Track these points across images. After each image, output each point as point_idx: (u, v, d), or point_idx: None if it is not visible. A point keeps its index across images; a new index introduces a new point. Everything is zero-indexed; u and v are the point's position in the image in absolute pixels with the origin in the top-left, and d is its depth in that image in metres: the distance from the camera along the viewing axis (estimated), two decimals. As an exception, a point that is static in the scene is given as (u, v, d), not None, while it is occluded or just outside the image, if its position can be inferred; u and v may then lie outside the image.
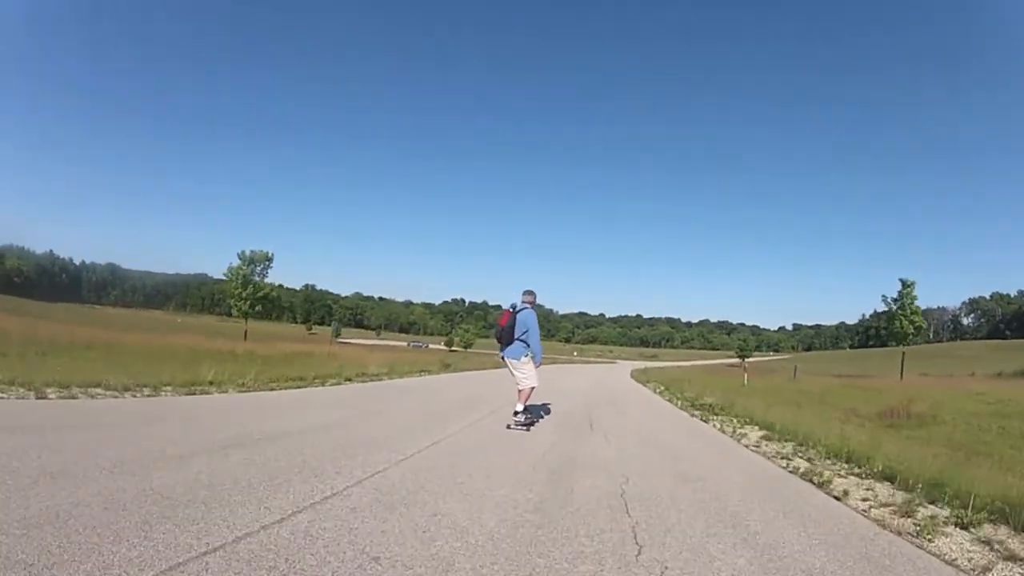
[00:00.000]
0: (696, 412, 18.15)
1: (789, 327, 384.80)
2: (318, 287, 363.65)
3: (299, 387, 17.36)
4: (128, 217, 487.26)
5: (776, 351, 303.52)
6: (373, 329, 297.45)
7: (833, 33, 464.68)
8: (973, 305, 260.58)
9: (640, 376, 47.21)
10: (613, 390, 29.33)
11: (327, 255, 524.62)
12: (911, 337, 68.02)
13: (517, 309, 11.72)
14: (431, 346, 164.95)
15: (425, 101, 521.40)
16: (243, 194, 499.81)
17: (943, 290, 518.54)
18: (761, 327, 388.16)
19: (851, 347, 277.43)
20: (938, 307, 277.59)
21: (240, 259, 73.62)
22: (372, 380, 22.58)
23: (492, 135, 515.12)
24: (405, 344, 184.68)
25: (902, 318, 66.97)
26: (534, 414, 13.39)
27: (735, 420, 15.85)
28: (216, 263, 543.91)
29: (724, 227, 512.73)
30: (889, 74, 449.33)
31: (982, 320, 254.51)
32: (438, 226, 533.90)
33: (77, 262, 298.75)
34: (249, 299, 75.31)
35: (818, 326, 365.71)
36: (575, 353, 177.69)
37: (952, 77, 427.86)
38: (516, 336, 11.56)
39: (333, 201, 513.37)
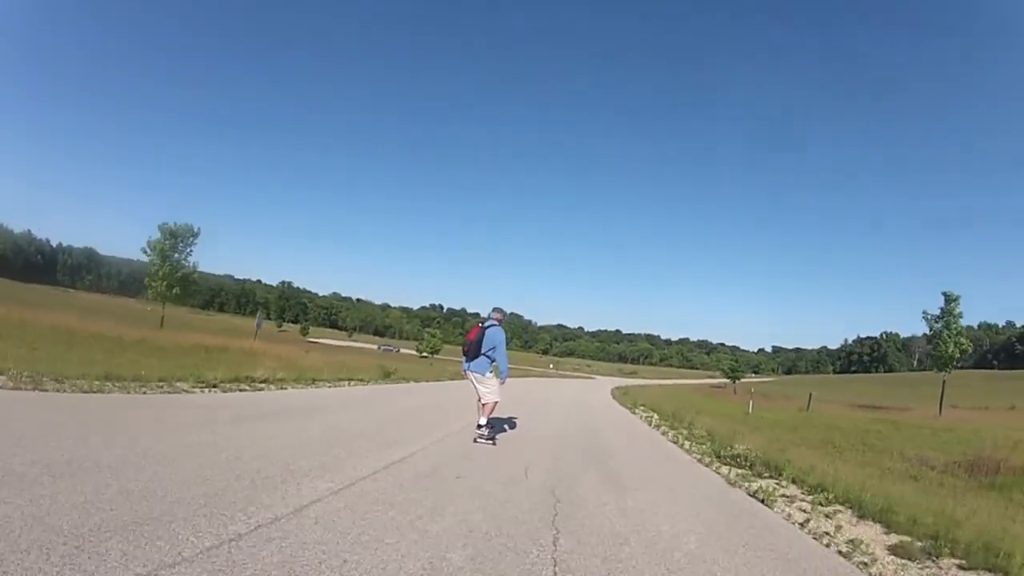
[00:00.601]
0: (722, 470, 11.81)
1: (768, 349, 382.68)
2: (295, 284, 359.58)
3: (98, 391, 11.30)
4: (112, 206, 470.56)
5: (756, 373, 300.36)
6: (346, 330, 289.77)
7: (815, 47, 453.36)
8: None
9: (623, 397, 41.23)
10: (592, 416, 23.41)
11: (308, 254, 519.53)
12: (955, 361, 54.90)
13: (485, 325, 11.56)
14: (403, 351, 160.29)
15: (414, 106, 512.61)
16: (228, 189, 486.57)
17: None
18: (741, 348, 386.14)
19: (834, 372, 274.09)
20: (922, 335, 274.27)
21: (160, 232, 62.94)
22: (254, 389, 15.93)
23: (479, 143, 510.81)
24: (376, 347, 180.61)
25: (947, 339, 53.73)
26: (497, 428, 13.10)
27: (815, 498, 9.34)
28: (200, 256, 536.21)
29: (706, 246, 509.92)
30: (872, 91, 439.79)
31: (972, 351, 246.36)
32: (420, 231, 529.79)
33: (54, 244, 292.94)
34: (166, 279, 63.06)
35: (798, 349, 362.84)
36: (551, 366, 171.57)
37: (944, 93, 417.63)
38: (483, 351, 11.35)
39: (316, 201, 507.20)
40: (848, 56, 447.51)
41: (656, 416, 25.24)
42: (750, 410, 34.39)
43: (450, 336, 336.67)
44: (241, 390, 15.06)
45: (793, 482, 10.60)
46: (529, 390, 36.80)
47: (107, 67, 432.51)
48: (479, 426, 11.49)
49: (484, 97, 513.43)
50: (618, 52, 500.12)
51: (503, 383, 11.97)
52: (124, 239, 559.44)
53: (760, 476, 11.12)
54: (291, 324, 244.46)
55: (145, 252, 63.01)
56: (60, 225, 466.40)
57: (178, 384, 13.85)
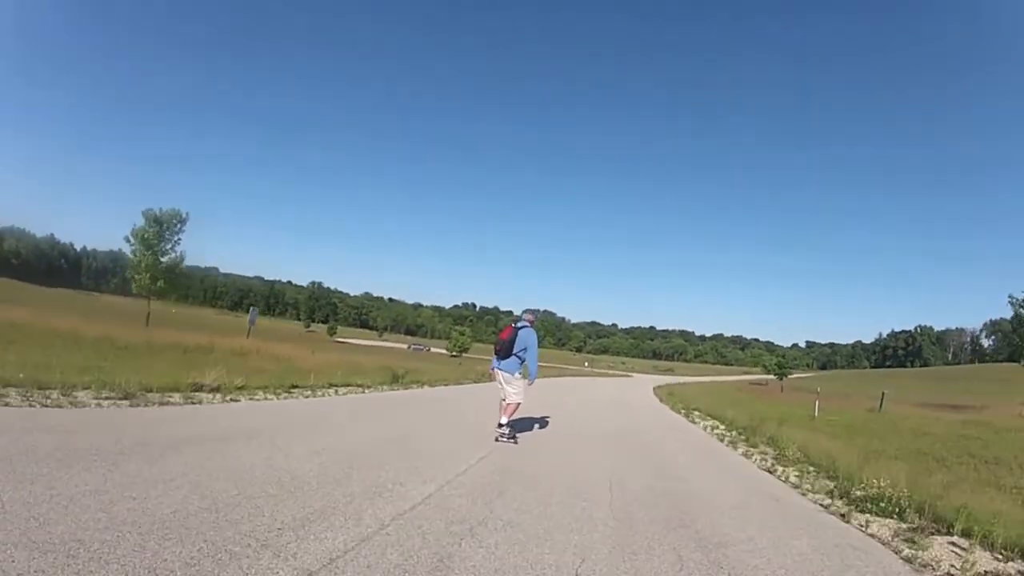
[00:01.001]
0: (880, 529, 7.43)
1: (802, 344, 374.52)
2: (325, 285, 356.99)
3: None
4: (138, 207, 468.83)
5: (790, 368, 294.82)
6: (376, 330, 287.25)
7: (851, 45, 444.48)
8: (995, 327, 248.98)
9: (670, 398, 37.00)
10: (645, 429, 19.10)
11: (339, 253, 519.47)
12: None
13: (518, 326, 11.69)
14: (433, 350, 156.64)
15: (445, 104, 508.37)
16: (257, 190, 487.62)
17: (956, 312, 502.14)
18: (775, 343, 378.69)
19: (870, 366, 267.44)
20: (956, 328, 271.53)
21: (144, 218, 56.39)
22: (186, 400, 11.70)
23: (512, 141, 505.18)
24: (406, 347, 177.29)
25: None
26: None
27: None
28: (225, 256, 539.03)
29: (740, 240, 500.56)
30: (911, 90, 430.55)
31: (1004, 343, 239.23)
32: (453, 230, 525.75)
33: (78, 248, 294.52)
34: (150, 271, 56.80)
35: (832, 344, 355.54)
36: (586, 364, 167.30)
37: (974, 92, 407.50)
38: (514, 351, 11.47)
39: (347, 201, 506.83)
40: (891, 45, 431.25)
41: (721, 425, 21.18)
42: (816, 413, 29.86)
43: (482, 334, 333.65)
44: (165, 403, 10.98)
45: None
46: (565, 391, 33.56)
47: (129, 68, 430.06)
48: (500, 425, 11.49)
49: (515, 96, 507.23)
50: (643, 49, 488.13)
51: (531, 384, 11.99)
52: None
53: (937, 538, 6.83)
54: (321, 324, 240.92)
55: (128, 241, 57.62)
56: (86, 228, 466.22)
57: (78, 395, 10.07)
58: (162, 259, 57.42)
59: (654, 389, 51.06)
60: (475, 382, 30.16)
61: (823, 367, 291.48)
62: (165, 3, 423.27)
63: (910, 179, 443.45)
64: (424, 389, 23.13)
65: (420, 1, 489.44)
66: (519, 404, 11.74)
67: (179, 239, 58.74)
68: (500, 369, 11.69)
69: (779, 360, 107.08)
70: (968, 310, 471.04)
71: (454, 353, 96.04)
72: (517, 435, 11.75)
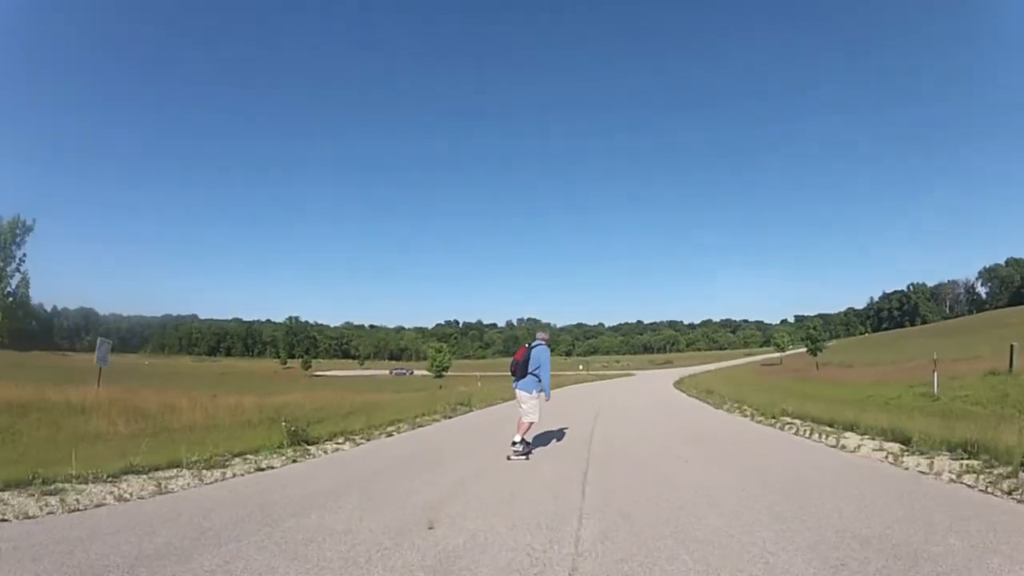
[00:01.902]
0: None
1: (791, 319, 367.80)
2: (302, 319, 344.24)
3: None
4: (105, 261, 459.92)
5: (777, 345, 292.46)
6: (357, 359, 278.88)
7: (828, 19, 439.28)
8: (990, 274, 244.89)
9: (711, 396, 28.96)
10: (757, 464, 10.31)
11: (315, 287, 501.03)
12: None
13: (532, 345, 12.08)
14: (416, 372, 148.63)
15: (408, 122, 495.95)
16: (228, 233, 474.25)
17: (944, 265, 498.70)
18: (765, 322, 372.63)
19: (871, 331, 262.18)
20: (948, 281, 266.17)
21: None
22: None
23: (477, 155, 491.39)
24: (387, 372, 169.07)
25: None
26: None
27: None
28: (203, 302, 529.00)
29: (716, 223, 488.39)
30: (881, 53, 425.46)
31: (1001, 289, 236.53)
32: (427, 249, 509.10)
33: (48, 308, 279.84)
34: None
35: (822, 315, 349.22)
36: (580, 367, 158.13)
37: (948, 52, 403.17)
38: (529, 370, 11.85)
39: (316, 234, 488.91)
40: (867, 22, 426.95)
41: (871, 441, 12.48)
42: (935, 389, 21.86)
43: (467, 350, 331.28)
44: None
45: None
46: (581, 400, 27.58)
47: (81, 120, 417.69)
48: (514, 443, 11.60)
49: (477, 106, 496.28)
50: (597, 50, 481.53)
51: (548, 399, 12.14)
52: (121, 296, 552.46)
53: None
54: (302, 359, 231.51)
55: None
56: (58, 288, 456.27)
57: None
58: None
59: (674, 384, 44.46)
60: (449, 415, 21.77)
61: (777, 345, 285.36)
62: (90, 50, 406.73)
63: (879, 142, 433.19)
64: (333, 458, 13.80)
65: (360, 23, 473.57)
66: (532, 423, 11.94)
67: (22, 257, 46.44)
68: (517, 388, 12.06)
69: (812, 332, 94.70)
70: (954, 262, 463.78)
71: (438, 374, 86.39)
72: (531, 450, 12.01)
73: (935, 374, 23.31)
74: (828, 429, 14.40)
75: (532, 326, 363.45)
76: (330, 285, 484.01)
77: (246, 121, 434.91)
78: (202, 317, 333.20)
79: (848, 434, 13.40)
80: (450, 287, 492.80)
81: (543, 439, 13.87)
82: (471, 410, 24.10)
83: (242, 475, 9.93)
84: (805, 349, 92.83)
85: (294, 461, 11.39)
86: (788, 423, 16.28)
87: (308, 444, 13.20)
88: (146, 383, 39.06)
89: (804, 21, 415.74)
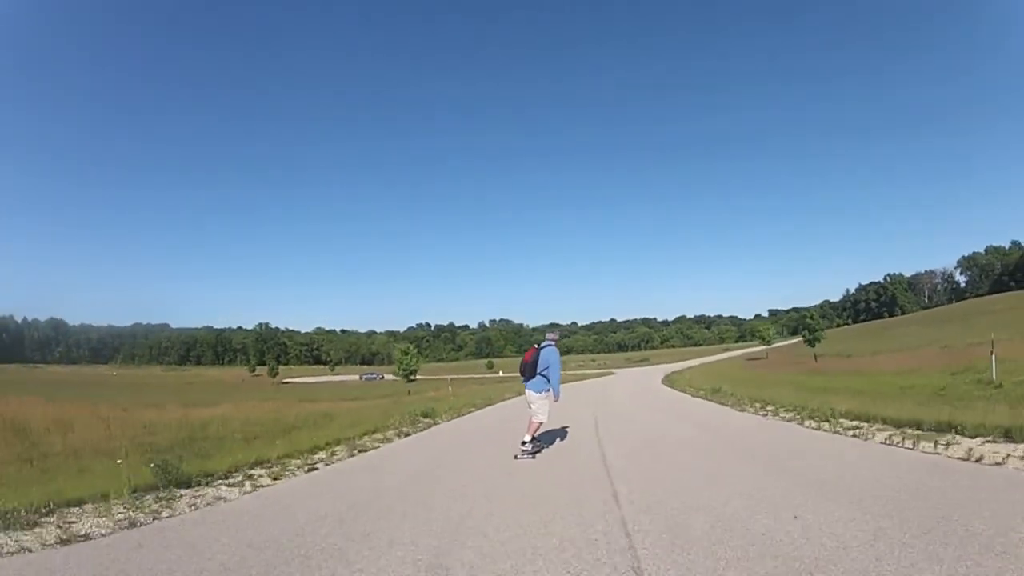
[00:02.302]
0: None
1: (765, 314, 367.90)
2: (273, 325, 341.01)
3: None
4: (75, 271, 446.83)
5: (762, 339, 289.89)
6: (328, 364, 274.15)
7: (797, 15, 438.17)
8: (969, 262, 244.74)
9: (728, 397, 24.80)
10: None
11: (286, 292, 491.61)
12: None
13: (542, 346, 11.99)
14: (387, 376, 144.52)
15: (368, 122, 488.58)
16: (193, 238, 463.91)
17: (919, 256, 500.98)
18: (739, 317, 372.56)
19: (850, 323, 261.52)
20: (925, 271, 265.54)
21: None
22: None
23: (444, 150, 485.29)
24: (358, 377, 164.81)
25: None
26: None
27: None
28: (176, 311, 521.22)
29: (688, 219, 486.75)
30: (850, 45, 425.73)
31: (981, 277, 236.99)
32: (397, 251, 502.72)
33: (19, 319, 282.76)
34: None
35: (796, 309, 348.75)
36: (520, 372, 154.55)
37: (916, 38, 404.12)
38: (538, 371, 11.77)
39: (286, 238, 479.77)
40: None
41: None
42: (994, 375, 18.26)
43: (440, 353, 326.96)
44: None
45: None
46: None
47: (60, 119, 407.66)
48: (523, 442, 11.61)
49: (440, 107, 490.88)
50: (573, 45, 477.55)
51: (557, 400, 12.02)
52: (92, 306, 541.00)
53: None
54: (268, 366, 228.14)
55: None
56: (26, 299, 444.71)
57: None
58: None
59: (663, 382, 42.42)
60: (407, 431, 17.36)
61: (793, 332, 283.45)
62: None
63: (851, 135, 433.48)
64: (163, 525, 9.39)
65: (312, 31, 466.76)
66: (542, 423, 11.92)
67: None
68: (527, 388, 12.05)
69: (809, 322, 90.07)
70: (928, 252, 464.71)
71: (410, 379, 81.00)
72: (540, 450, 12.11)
73: (993, 358, 19.87)
74: (919, 433, 10.75)
75: (505, 327, 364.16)
76: (301, 290, 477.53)
77: (215, 125, 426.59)
78: (174, 326, 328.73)
79: (958, 438, 9.87)
80: (422, 290, 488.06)
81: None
82: (436, 422, 19.72)
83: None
84: (795, 341, 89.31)
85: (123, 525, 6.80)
86: (853, 427, 12.46)
87: (181, 487, 8.89)
88: (85, 394, 35.15)
89: (769, 18, 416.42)
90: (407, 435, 16.19)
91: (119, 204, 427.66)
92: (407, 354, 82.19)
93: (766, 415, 16.28)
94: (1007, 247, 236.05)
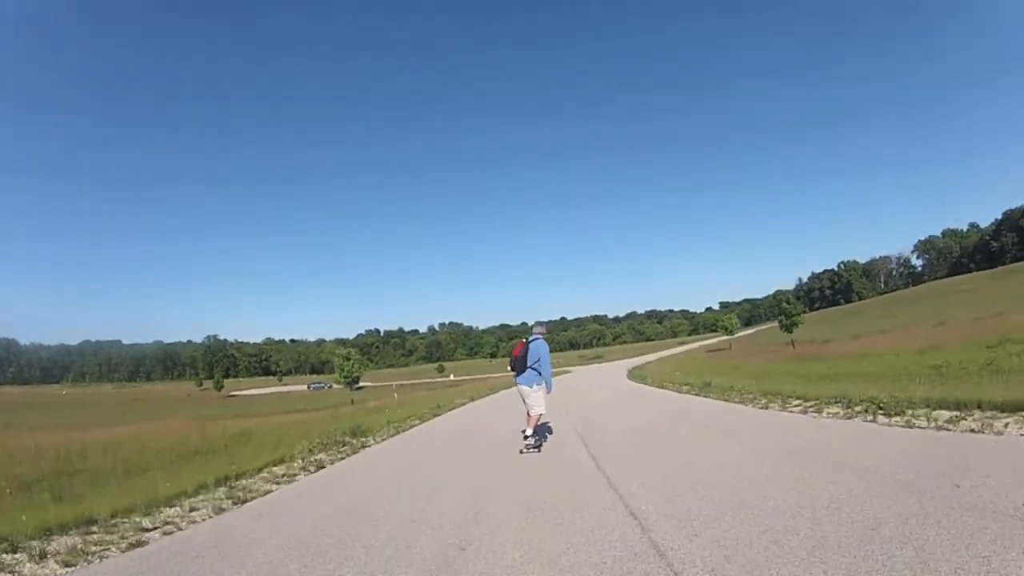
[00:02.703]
0: None
1: (716, 306, 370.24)
2: (222, 337, 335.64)
3: None
4: (26, 288, 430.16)
5: (714, 330, 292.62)
6: (276, 375, 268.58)
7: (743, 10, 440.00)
8: (927, 246, 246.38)
9: (716, 391, 21.50)
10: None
11: (234, 303, 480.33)
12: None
13: (529, 340, 12.04)
14: (336, 386, 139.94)
15: (310, 130, 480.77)
16: (140, 252, 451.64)
17: (871, 242, 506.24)
18: (690, 311, 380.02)
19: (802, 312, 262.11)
20: (880, 257, 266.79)
21: None
22: None
23: (387, 154, 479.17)
24: (305, 387, 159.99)
25: None
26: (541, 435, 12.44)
27: None
28: (123, 328, 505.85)
29: (635, 215, 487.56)
30: (796, 37, 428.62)
31: (939, 260, 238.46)
32: (344, 258, 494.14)
33: None
34: None
35: (748, 300, 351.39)
36: (509, 367, 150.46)
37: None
38: (529, 364, 11.80)
39: (233, 247, 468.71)
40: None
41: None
42: None
43: (390, 359, 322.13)
44: None
45: None
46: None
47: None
48: (525, 436, 11.69)
49: (377, 107, 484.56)
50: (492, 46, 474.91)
51: (550, 392, 12.03)
52: (44, 324, 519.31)
53: None
54: (222, 379, 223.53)
55: None
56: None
57: None
58: None
59: (639, 379, 37.28)
60: (322, 461, 12.88)
61: (747, 323, 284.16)
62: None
63: (797, 125, 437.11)
64: None
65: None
66: (541, 415, 11.94)
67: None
68: (519, 383, 12.00)
69: (785, 306, 78.52)
70: (881, 240, 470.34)
71: (352, 386, 76.10)
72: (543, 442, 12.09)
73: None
74: None
75: (455, 330, 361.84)
76: (250, 301, 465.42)
77: (159, 136, 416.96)
78: (126, 342, 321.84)
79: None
80: (370, 296, 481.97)
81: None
82: (366, 443, 15.10)
83: None
84: (753, 331, 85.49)
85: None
86: (952, 418, 9.32)
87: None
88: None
89: (719, 15, 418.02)
90: (320, 467, 11.74)
91: (67, 219, 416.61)
92: (348, 359, 76.29)
93: (817, 414, 12.08)
94: (964, 230, 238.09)
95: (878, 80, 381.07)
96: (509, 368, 12.36)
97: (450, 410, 26.41)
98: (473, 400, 31.89)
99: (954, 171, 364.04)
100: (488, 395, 38.09)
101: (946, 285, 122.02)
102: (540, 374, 11.74)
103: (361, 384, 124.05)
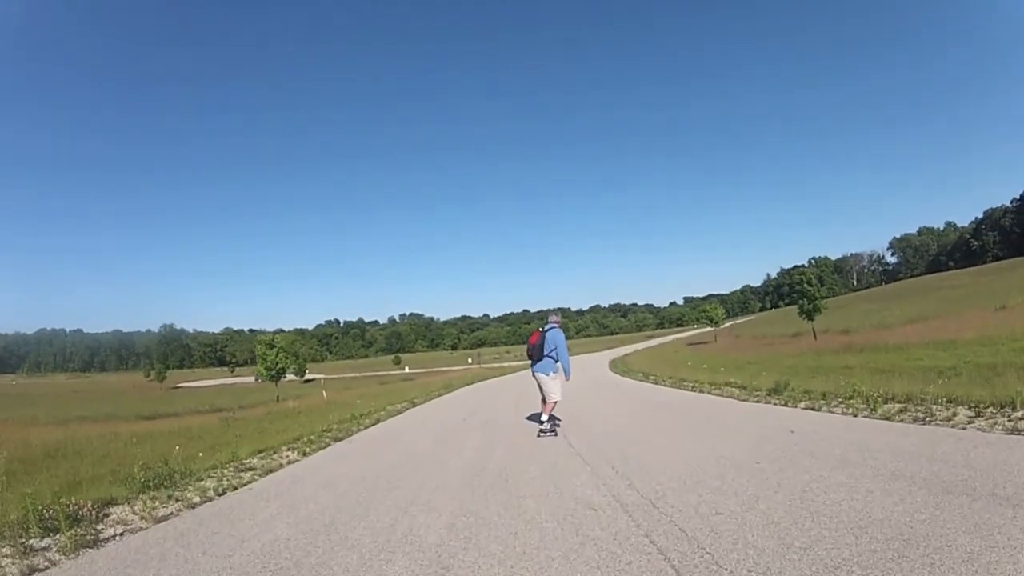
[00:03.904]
0: None
1: (680, 301, 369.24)
2: (178, 327, 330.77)
3: None
4: None
5: (680, 325, 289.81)
6: (230, 365, 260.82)
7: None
8: (902, 243, 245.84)
9: (749, 392, 14.60)
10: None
11: (192, 292, 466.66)
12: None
13: (546, 329, 12.01)
14: (289, 377, 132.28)
15: (273, 115, 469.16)
16: (98, 237, 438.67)
17: (841, 239, 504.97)
18: (655, 305, 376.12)
19: (762, 309, 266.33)
20: (851, 254, 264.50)
21: None
22: None
23: (348, 143, 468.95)
24: (254, 379, 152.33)
25: None
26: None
27: None
28: (84, 315, 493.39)
29: (599, 208, 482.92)
30: (766, 37, 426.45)
31: (915, 258, 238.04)
32: (305, 247, 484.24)
33: None
34: None
35: (712, 295, 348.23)
36: (469, 360, 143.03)
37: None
38: (545, 353, 11.68)
39: (193, 235, 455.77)
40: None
41: None
42: None
43: (349, 350, 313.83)
44: None
45: None
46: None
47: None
48: (541, 422, 11.69)
49: (332, 96, 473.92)
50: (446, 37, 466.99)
51: (568, 379, 12.03)
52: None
53: None
54: (175, 370, 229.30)
55: None
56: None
57: None
58: None
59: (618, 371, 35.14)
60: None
61: (710, 319, 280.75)
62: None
63: (769, 120, 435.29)
64: None
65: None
66: (556, 402, 11.71)
67: None
68: (536, 371, 11.82)
69: (807, 288, 65.10)
70: (853, 236, 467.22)
71: (271, 379, 64.86)
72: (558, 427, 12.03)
73: None
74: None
75: (416, 321, 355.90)
76: (209, 291, 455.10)
77: (112, 122, 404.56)
78: (87, 331, 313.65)
79: None
80: (330, 286, 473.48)
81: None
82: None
83: None
84: (729, 324, 78.48)
85: None
86: None
87: None
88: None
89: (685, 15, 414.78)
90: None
91: (28, 208, 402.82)
92: (272, 348, 63.53)
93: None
94: (941, 228, 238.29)
95: (858, 80, 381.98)
96: (527, 357, 12.12)
97: (393, 417, 19.37)
98: (414, 405, 23.75)
99: (924, 172, 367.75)
100: (442, 393, 30.55)
101: (933, 280, 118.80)
102: (556, 361, 11.61)
103: (311, 376, 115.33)
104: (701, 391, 17.74)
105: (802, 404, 12.11)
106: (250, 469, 9.93)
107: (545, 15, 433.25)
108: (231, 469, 9.89)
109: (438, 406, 22.97)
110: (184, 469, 9.36)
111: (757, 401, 13.72)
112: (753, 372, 20.30)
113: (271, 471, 9.71)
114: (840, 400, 11.67)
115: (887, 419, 9.44)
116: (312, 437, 13.44)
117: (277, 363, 60.15)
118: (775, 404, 12.87)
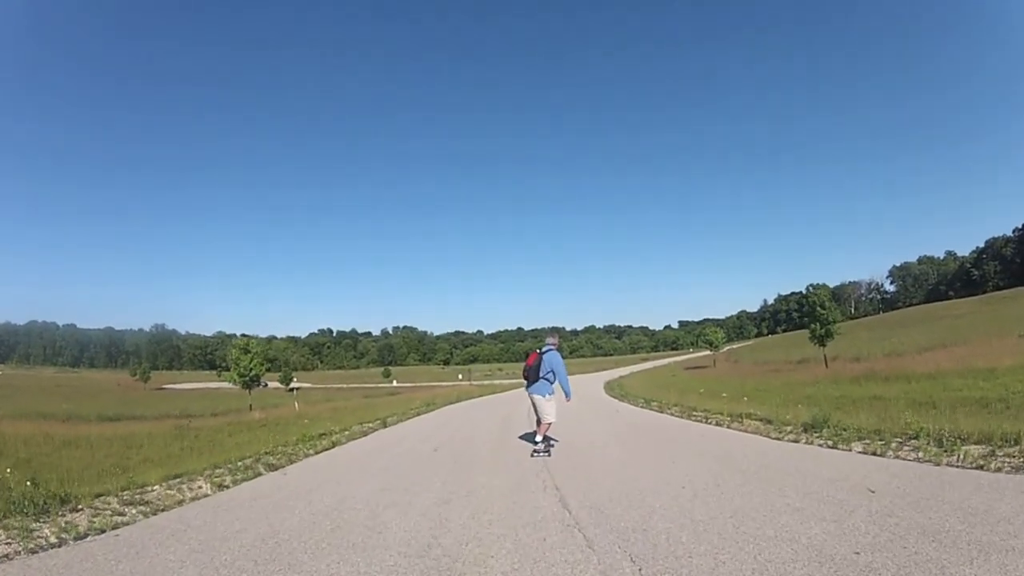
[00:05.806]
0: None
1: (675, 325, 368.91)
2: (169, 327, 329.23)
3: None
4: None
5: (675, 348, 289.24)
6: (217, 369, 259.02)
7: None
8: (902, 271, 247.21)
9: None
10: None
11: (187, 296, 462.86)
12: None
13: (543, 351, 12.04)
14: (271, 384, 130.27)
15: (269, 125, 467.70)
16: (96, 235, 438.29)
17: (837, 268, 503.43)
18: (649, 328, 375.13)
19: (759, 335, 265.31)
20: (849, 281, 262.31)
21: None
22: None
23: (351, 153, 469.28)
24: (230, 383, 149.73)
25: None
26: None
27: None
28: (77, 310, 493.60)
29: (597, 227, 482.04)
30: (766, 58, 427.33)
31: (915, 287, 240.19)
32: (301, 255, 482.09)
33: None
34: None
35: (707, 320, 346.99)
36: (460, 376, 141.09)
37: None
38: (541, 375, 11.78)
39: (190, 237, 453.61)
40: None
41: None
42: None
43: (341, 360, 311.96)
44: None
45: None
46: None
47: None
48: (535, 442, 11.87)
49: (330, 106, 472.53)
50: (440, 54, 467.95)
51: (569, 400, 12.48)
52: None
53: None
54: (164, 371, 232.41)
55: None
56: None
57: None
58: None
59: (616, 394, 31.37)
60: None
61: (709, 343, 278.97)
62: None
63: (769, 147, 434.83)
64: None
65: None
66: (551, 424, 11.95)
67: None
68: (531, 393, 11.94)
69: (820, 312, 59.28)
70: (850, 265, 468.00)
71: (244, 385, 59.08)
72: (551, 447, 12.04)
73: None
74: None
75: (409, 335, 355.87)
76: (203, 293, 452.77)
77: (114, 119, 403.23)
78: (80, 326, 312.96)
79: None
80: (324, 295, 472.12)
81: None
82: None
83: None
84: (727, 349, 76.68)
85: None
86: None
87: None
88: None
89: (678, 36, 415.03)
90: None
91: (27, 200, 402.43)
92: (248, 352, 58.76)
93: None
94: (941, 257, 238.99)
95: (862, 108, 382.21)
96: (523, 378, 12.25)
97: (367, 436, 17.73)
98: (385, 425, 21.18)
99: (924, 201, 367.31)
100: (422, 412, 27.92)
101: (935, 309, 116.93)
102: (551, 383, 11.75)
103: (297, 385, 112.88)
104: (719, 424, 15.45)
105: (856, 447, 9.65)
106: (141, 504, 7.69)
107: (546, 32, 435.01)
108: (117, 501, 7.63)
109: (410, 428, 20.39)
110: (63, 492, 7.42)
111: (795, 440, 11.17)
112: (776, 402, 18.02)
113: (162, 510, 7.39)
114: (900, 440, 9.47)
115: (980, 468, 7.36)
116: (248, 462, 11.16)
117: (251, 369, 55.55)
118: (819, 445, 10.39)
